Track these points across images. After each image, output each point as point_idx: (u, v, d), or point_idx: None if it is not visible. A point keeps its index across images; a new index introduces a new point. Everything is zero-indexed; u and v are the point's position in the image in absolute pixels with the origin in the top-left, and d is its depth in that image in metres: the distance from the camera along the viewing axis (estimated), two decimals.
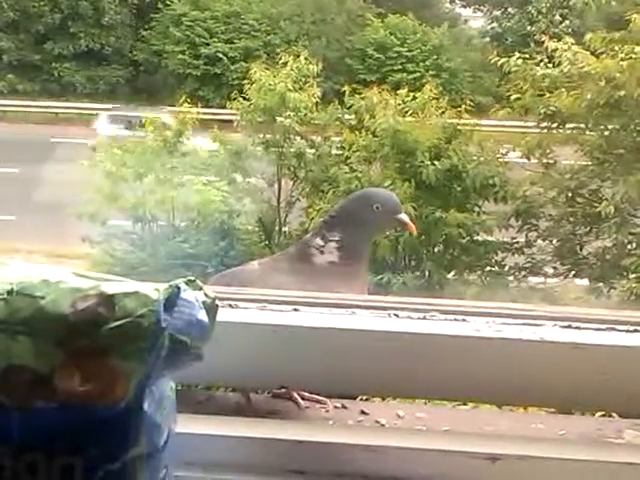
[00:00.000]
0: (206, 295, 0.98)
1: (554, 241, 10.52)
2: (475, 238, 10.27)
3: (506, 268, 10.45)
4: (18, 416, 0.90)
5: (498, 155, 10.53)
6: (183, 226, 11.25)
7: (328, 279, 1.60)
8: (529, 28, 16.50)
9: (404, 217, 1.80)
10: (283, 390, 1.35)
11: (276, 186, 11.35)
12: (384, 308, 1.18)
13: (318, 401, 1.37)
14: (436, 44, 16.65)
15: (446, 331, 1.17)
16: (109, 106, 16.64)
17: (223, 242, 10.73)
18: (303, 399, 1.37)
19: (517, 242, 10.49)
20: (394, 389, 1.19)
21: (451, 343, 1.16)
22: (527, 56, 10.65)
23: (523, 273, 10.43)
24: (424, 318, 1.18)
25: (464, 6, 19.20)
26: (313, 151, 11.16)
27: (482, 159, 10.26)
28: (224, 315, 1.13)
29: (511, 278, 10.40)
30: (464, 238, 10.09)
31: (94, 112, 16.55)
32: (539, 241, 10.51)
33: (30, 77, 17.82)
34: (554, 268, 10.44)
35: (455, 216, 9.83)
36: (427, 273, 9.94)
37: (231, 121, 11.98)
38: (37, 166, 13.69)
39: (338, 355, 1.16)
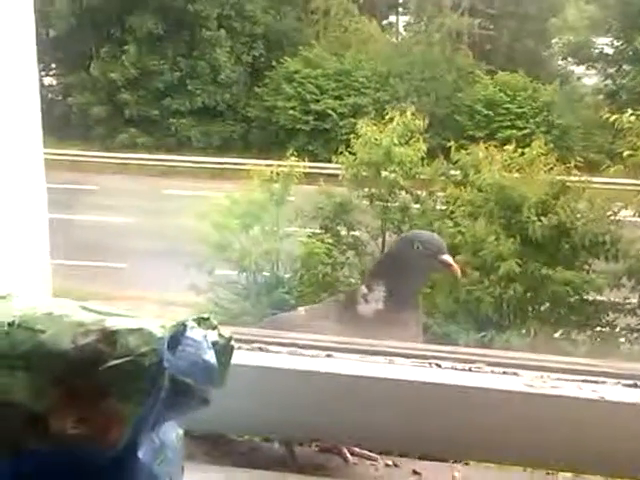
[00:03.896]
0: (220, 335, 0.91)
1: None
2: (584, 297, 9.92)
3: (617, 329, 10.03)
4: (8, 457, 0.85)
5: (609, 212, 10.20)
6: (287, 277, 11.31)
7: (374, 329, 1.52)
8: None
9: (447, 258, 1.70)
10: (331, 445, 1.27)
11: (380, 239, 11.29)
12: (425, 357, 1.09)
13: (368, 457, 1.29)
14: (547, 100, 16.36)
15: (494, 385, 1.06)
16: (222, 160, 17.02)
17: (325, 294, 10.71)
18: (352, 454, 1.30)
19: (629, 303, 10.07)
20: (436, 447, 1.09)
21: (499, 399, 1.06)
22: None
23: (635, 335, 9.98)
24: (469, 370, 1.08)
25: (577, 64, 18.87)
26: (418, 205, 11.07)
27: (592, 216, 9.96)
28: (252, 358, 1.06)
29: (622, 340, 9.97)
30: (572, 296, 9.75)
31: (207, 165, 16.97)
32: None
33: (149, 131, 18.42)
34: None
35: (563, 274, 9.53)
36: (533, 331, 9.63)
37: (337, 175, 12.04)
38: (150, 216, 14.07)
39: (374, 407, 1.07)
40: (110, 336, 0.86)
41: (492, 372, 1.07)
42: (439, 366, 1.08)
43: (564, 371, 1.08)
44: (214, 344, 0.89)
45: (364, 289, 1.63)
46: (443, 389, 1.06)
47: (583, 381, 1.08)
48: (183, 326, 0.87)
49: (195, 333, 0.88)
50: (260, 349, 1.09)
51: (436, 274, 1.88)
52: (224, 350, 0.91)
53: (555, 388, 1.07)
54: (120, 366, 0.84)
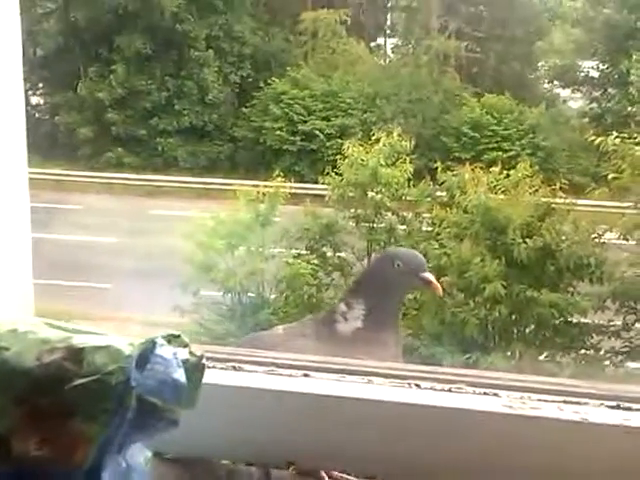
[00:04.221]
0: (191, 353, 0.88)
1: None
2: (569, 319, 9.91)
3: (601, 352, 10.01)
4: None
5: (594, 235, 10.22)
6: (272, 298, 11.25)
7: (353, 347, 1.48)
8: (630, 109, 16.16)
9: (428, 275, 1.67)
10: (309, 468, 1.23)
11: (366, 260, 11.26)
12: (404, 377, 1.06)
13: None
14: (533, 123, 16.45)
15: (473, 406, 1.04)
16: (208, 180, 16.99)
17: (310, 315, 10.64)
18: (331, 478, 1.26)
19: (614, 325, 10.06)
20: (414, 470, 1.06)
21: (479, 420, 1.03)
22: (626, 135, 10.38)
23: (620, 358, 9.96)
24: (449, 390, 1.05)
25: (562, 87, 19.00)
26: (404, 227, 11.06)
27: (577, 238, 9.96)
28: (225, 378, 1.03)
29: (607, 362, 9.95)
30: (557, 319, 9.74)
31: (193, 185, 16.94)
32: (638, 325, 10.05)
33: (135, 151, 18.38)
34: None
35: (548, 296, 9.51)
36: (518, 354, 9.60)
37: (323, 195, 12.02)
38: (134, 236, 14.02)
39: (352, 428, 1.04)
40: (77, 354, 0.83)
41: (473, 393, 1.04)
42: (418, 386, 1.05)
43: (545, 392, 1.05)
44: (184, 362, 0.86)
45: (343, 307, 1.59)
46: (422, 410, 1.03)
47: (564, 402, 1.05)
48: (152, 343, 0.84)
49: (165, 351, 0.85)
50: (234, 368, 1.06)
51: (421, 294, 1.84)
52: (195, 369, 0.88)
53: (535, 409, 1.04)
54: (86, 385, 0.81)
